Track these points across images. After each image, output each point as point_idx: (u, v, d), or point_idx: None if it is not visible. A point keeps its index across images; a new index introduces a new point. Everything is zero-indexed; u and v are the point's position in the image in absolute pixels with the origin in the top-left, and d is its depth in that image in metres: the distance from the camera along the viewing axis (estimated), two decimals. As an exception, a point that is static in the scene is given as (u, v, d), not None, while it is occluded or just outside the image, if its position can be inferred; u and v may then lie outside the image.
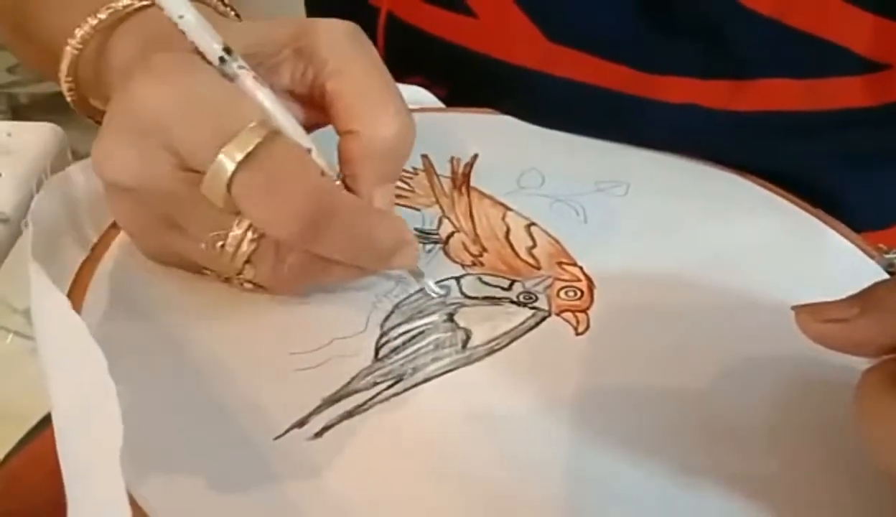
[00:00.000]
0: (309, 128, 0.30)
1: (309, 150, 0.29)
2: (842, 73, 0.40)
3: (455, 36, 0.43)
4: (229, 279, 0.30)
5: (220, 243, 0.28)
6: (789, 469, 0.27)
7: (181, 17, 0.28)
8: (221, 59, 0.28)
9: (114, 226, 0.33)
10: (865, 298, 0.25)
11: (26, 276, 0.28)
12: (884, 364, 0.25)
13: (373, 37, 0.46)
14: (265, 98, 0.28)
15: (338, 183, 0.30)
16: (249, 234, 0.28)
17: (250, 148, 0.26)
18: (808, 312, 0.26)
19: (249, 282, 0.30)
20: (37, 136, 0.50)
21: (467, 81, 0.43)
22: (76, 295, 0.30)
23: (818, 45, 0.39)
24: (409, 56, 0.40)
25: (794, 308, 0.26)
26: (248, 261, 0.29)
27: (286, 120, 0.29)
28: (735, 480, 0.27)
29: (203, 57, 0.28)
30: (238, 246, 0.28)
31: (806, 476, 0.27)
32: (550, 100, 0.42)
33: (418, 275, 0.32)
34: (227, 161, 0.26)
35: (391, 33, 0.45)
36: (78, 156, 0.36)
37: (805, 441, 0.28)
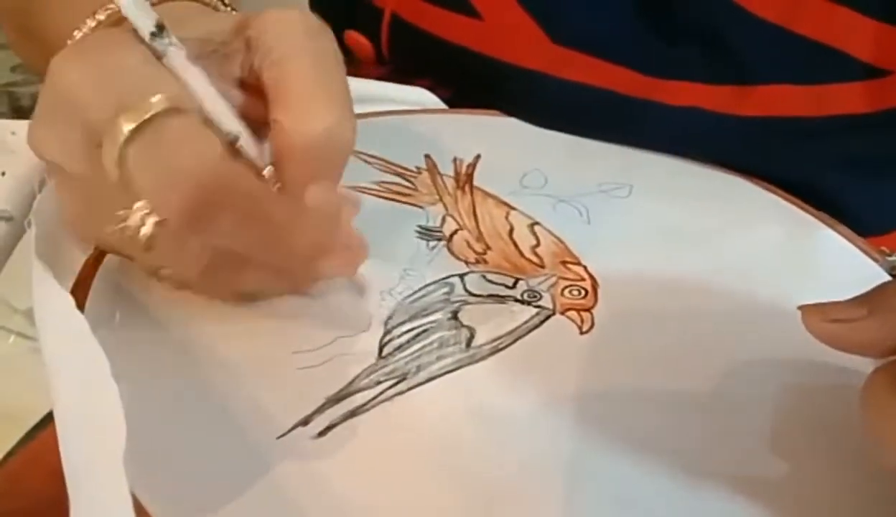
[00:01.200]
0: (261, 121, 0.29)
1: (236, 137, 0.28)
2: (844, 79, 0.40)
3: (460, 38, 0.43)
4: (156, 272, 0.29)
5: (122, 224, 0.27)
6: (792, 472, 0.27)
7: None
8: (152, 35, 0.27)
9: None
10: (873, 299, 0.25)
11: (28, 277, 0.28)
12: (891, 365, 0.24)
13: (377, 37, 0.46)
14: (192, 77, 0.27)
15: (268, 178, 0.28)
16: (149, 216, 0.26)
17: (144, 118, 0.25)
18: (815, 312, 0.26)
19: (171, 278, 0.29)
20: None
21: (472, 83, 0.43)
22: (79, 294, 0.30)
23: (821, 51, 0.39)
24: (413, 57, 0.40)
25: (800, 307, 0.26)
26: (151, 248, 0.27)
27: (213, 102, 0.28)
28: (737, 482, 0.27)
29: (137, 35, 0.27)
30: (137, 228, 0.26)
31: (809, 479, 0.27)
32: (555, 102, 0.42)
33: (359, 287, 0.31)
34: (120, 130, 0.25)
35: (395, 34, 0.45)
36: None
37: (808, 444, 0.28)
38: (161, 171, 0.26)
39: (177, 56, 0.27)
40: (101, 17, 0.31)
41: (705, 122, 0.41)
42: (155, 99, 0.26)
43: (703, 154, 0.42)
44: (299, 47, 0.28)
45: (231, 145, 0.27)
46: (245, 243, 0.27)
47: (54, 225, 0.32)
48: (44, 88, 0.27)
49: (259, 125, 0.28)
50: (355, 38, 0.46)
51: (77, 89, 0.26)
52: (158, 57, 0.27)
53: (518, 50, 0.42)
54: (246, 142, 0.28)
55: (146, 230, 0.27)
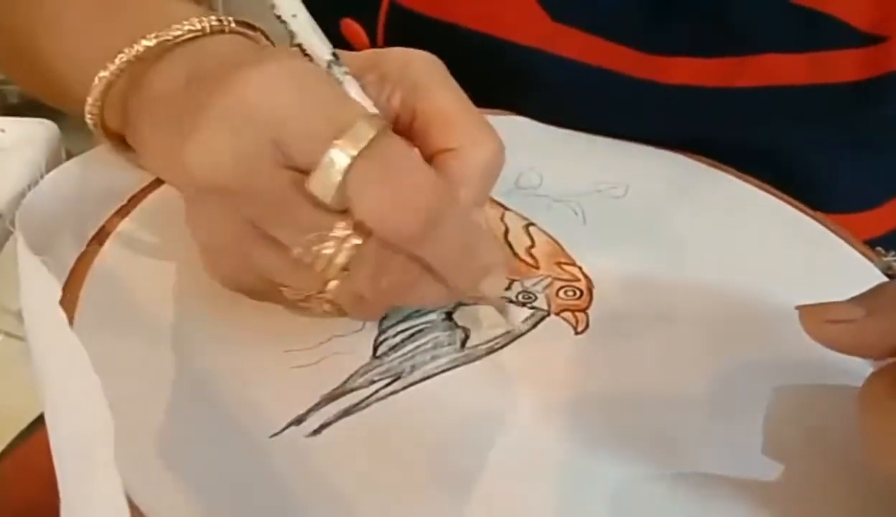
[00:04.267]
0: None
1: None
2: (840, 45, 0.40)
3: (458, 17, 0.43)
4: (308, 299, 0.29)
5: (316, 247, 0.26)
6: (788, 475, 0.27)
7: (294, 15, 0.27)
8: (329, 64, 0.27)
9: (108, 223, 0.33)
10: (871, 299, 0.25)
11: (18, 277, 0.28)
12: (889, 367, 0.24)
13: (373, 25, 0.46)
14: (370, 107, 0.28)
15: None
16: (353, 237, 0.26)
17: (367, 140, 0.25)
18: (812, 313, 0.26)
19: (330, 302, 0.28)
20: (31, 132, 0.50)
21: (470, 67, 0.43)
22: (70, 292, 0.30)
23: (818, 18, 0.39)
24: (411, 42, 0.40)
25: (798, 308, 0.26)
26: (344, 269, 0.27)
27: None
28: (733, 484, 0.26)
29: (310, 59, 0.28)
30: (338, 249, 0.26)
31: (806, 481, 0.27)
32: (554, 80, 0.42)
33: (502, 308, 0.31)
34: (342, 153, 0.25)
35: (393, 20, 0.44)
36: (71, 155, 0.36)
37: (805, 446, 0.28)
38: (393, 188, 0.26)
39: (352, 85, 0.28)
40: (149, 42, 0.30)
41: (702, 97, 0.41)
42: (372, 122, 0.26)
43: (699, 130, 0.42)
44: (441, 80, 0.30)
45: None
46: (449, 258, 0.28)
47: (45, 224, 0.31)
48: (221, 102, 0.26)
49: None
50: (351, 26, 0.46)
51: (277, 107, 0.26)
52: (338, 82, 0.28)
53: (517, 27, 0.42)
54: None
55: (347, 251, 0.26)
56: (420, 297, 0.29)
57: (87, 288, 0.30)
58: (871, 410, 0.24)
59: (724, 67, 0.41)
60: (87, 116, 0.32)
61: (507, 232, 0.35)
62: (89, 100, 0.31)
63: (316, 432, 0.26)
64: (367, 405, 0.27)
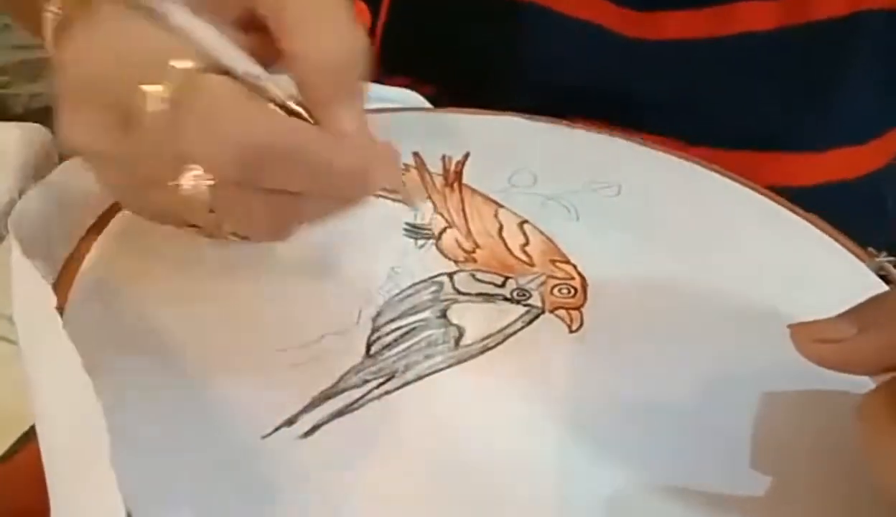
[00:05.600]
0: (264, 57, 0.29)
1: (257, 78, 0.27)
2: None
3: None
4: (214, 233, 0.29)
5: (178, 193, 0.26)
6: (783, 475, 0.27)
7: None
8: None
9: (97, 224, 0.33)
10: (862, 315, 0.24)
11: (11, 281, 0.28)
12: (886, 387, 0.24)
13: (378, 2, 0.46)
14: (199, 30, 0.27)
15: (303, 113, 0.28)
16: (203, 175, 0.26)
17: (174, 88, 0.25)
18: (804, 332, 0.25)
19: (234, 234, 0.29)
20: (23, 137, 0.50)
21: (470, 32, 0.44)
22: (60, 294, 0.29)
23: None
24: (414, 16, 0.40)
25: (789, 327, 0.26)
26: (211, 211, 0.27)
27: (225, 49, 0.27)
28: (727, 482, 0.26)
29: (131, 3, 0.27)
30: (195, 192, 0.26)
31: (794, 481, 0.27)
32: (549, 36, 0.43)
33: (405, 197, 0.30)
34: (156, 105, 0.25)
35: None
36: (63, 160, 0.36)
37: (801, 445, 0.28)
38: (206, 133, 0.25)
39: (179, 13, 0.27)
40: None
41: (690, 50, 0.42)
42: (178, 64, 0.26)
43: (686, 84, 0.43)
44: None
45: (256, 88, 0.27)
46: (298, 181, 0.27)
47: (38, 228, 0.31)
48: (61, 78, 0.27)
49: (264, 62, 0.28)
50: (356, 5, 0.46)
51: (96, 71, 0.26)
52: (161, 21, 0.27)
53: None
54: (267, 81, 0.28)
55: (204, 191, 0.26)
56: (309, 216, 0.28)
57: (76, 290, 0.30)
58: (870, 428, 0.23)
59: (710, 18, 0.42)
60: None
61: (501, 229, 0.35)
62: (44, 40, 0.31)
63: (308, 433, 0.26)
64: (361, 405, 0.27)
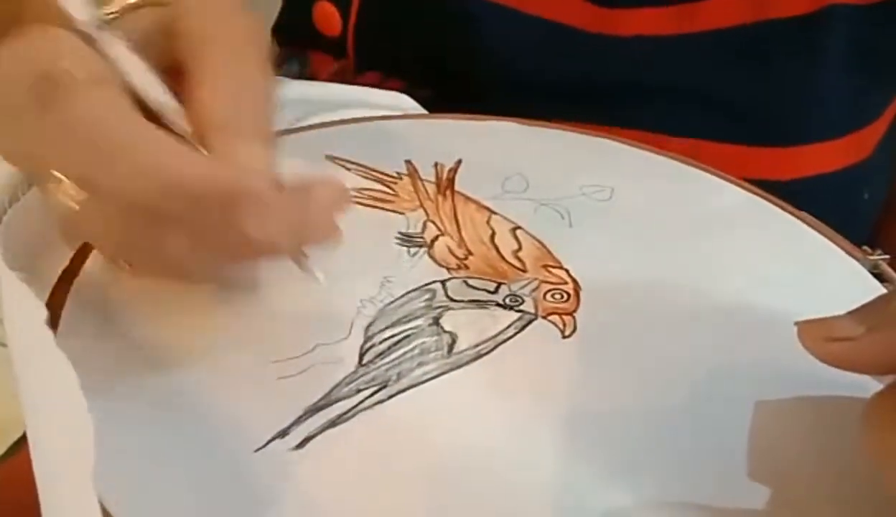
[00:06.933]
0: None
1: (171, 112, 0.27)
2: None
3: None
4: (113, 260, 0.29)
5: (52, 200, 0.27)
6: (777, 477, 0.27)
7: None
8: (98, 27, 0.28)
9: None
10: (871, 314, 0.24)
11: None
12: (893, 388, 0.24)
13: (348, 7, 0.46)
14: (125, 60, 0.27)
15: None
16: (70, 189, 0.26)
17: (53, 89, 0.25)
18: (812, 330, 0.25)
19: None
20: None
21: (444, 38, 0.44)
22: (53, 306, 0.29)
23: None
24: (379, 24, 0.41)
25: (797, 324, 0.25)
26: (76, 223, 0.27)
27: (144, 83, 0.27)
28: (724, 487, 0.26)
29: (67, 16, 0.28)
30: (63, 202, 0.26)
31: (793, 483, 0.27)
32: (514, 36, 0.43)
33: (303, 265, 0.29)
34: (34, 102, 0.25)
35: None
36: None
37: (797, 448, 0.28)
38: (68, 144, 0.25)
39: (111, 42, 0.27)
40: None
41: (657, 46, 0.43)
42: (64, 67, 0.26)
43: (657, 79, 0.44)
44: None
45: (159, 116, 0.27)
46: (148, 196, 0.25)
47: (29, 236, 0.31)
48: None
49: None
50: (325, 9, 0.47)
51: (4, 80, 0.26)
52: (88, 40, 0.27)
53: None
54: (173, 111, 0.28)
55: (64, 202, 0.26)
56: (170, 247, 0.27)
57: (69, 303, 0.30)
58: (875, 430, 0.23)
59: (675, 15, 0.42)
60: None
61: (493, 235, 0.35)
62: None
63: (301, 445, 0.26)
64: (354, 415, 0.27)
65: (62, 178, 0.26)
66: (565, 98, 0.44)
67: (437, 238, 0.35)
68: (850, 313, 0.25)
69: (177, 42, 0.28)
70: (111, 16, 0.28)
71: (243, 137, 0.27)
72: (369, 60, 0.48)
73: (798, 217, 0.38)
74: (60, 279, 0.31)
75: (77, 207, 0.26)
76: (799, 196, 0.38)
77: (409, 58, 0.47)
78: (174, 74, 0.29)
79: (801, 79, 0.45)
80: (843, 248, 0.36)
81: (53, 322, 0.28)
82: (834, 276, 0.35)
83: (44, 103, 0.25)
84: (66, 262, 0.31)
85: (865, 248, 0.36)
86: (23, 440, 0.49)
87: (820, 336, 0.25)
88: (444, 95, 0.44)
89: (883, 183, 0.51)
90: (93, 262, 0.31)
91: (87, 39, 0.27)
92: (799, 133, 0.44)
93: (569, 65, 0.43)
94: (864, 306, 0.25)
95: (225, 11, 0.29)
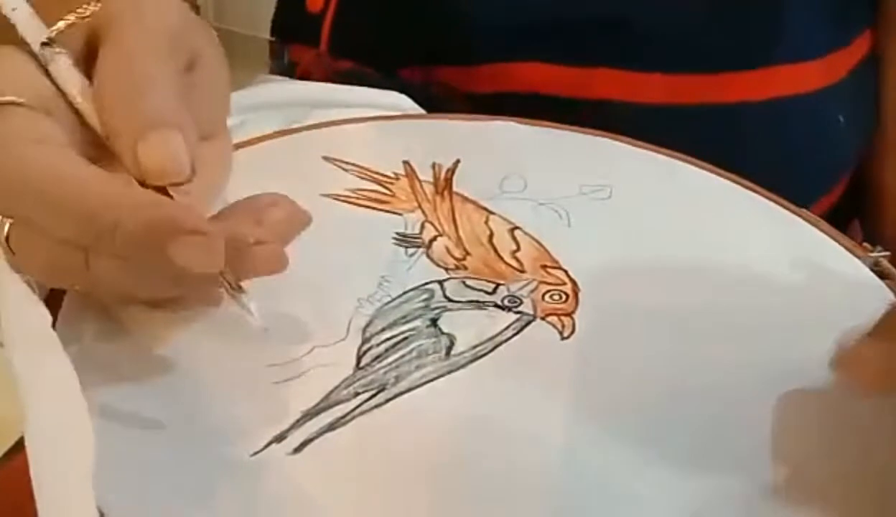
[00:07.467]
0: None
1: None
2: None
3: None
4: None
5: None
6: (776, 474, 0.27)
7: (14, 9, 0.29)
8: (42, 46, 0.28)
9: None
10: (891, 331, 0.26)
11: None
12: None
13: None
14: (74, 80, 0.28)
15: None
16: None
17: None
18: (849, 366, 0.26)
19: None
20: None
21: (423, 22, 0.45)
22: (50, 310, 0.29)
23: None
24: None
25: (834, 361, 0.26)
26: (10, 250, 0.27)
27: (84, 102, 0.28)
28: (723, 482, 0.26)
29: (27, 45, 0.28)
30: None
31: (796, 482, 0.27)
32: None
33: (237, 299, 0.27)
34: None
35: None
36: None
37: (796, 446, 0.28)
38: None
39: (57, 60, 0.28)
40: None
41: None
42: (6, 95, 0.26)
43: (626, 12, 0.45)
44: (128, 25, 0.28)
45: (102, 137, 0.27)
46: (74, 233, 0.25)
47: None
48: None
49: None
50: None
51: None
52: (44, 65, 0.28)
53: None
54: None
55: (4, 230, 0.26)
56: (97, 275, 0.26)
57: (64, 308, 0.29)
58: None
59: None
60: None
61: (491, 236, 0.35)
62: None
63: (298, 449, 0.26)
64: (351, 419, 0.27)
65: None
66: (537, 38, 0.45)
67: (434, 239, 0.35)
68: (873, 335, 0.26)
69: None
70: (54, 33, 0.29)
71: (142, 134, 0.26)
72: (343, 40, 0.48)
73: (798, 214, 0.38)
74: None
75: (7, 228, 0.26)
76: (778, 116, 0.42)
77: (388, 40, 0.48)
78: None
79: (769, 2, 0.47)
80: (843, 244, 0.36)
81: (51, 323, 0.28)
82: (834, 273, 0.35)
83: None
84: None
85: (865, 244, 0.36)
86: (21, 442, 0.49)
87: (862, 371, 0.26)
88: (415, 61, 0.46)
89: (859, 112, 0.52)
90: None
91: (36, 58, 0.28)
92: (769, 55, 0.46)
93: (538, 3, 0.44)
94: (880, 326, 0.26)
95: (129, 13, 0.28)
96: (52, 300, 0.30)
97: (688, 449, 0.27)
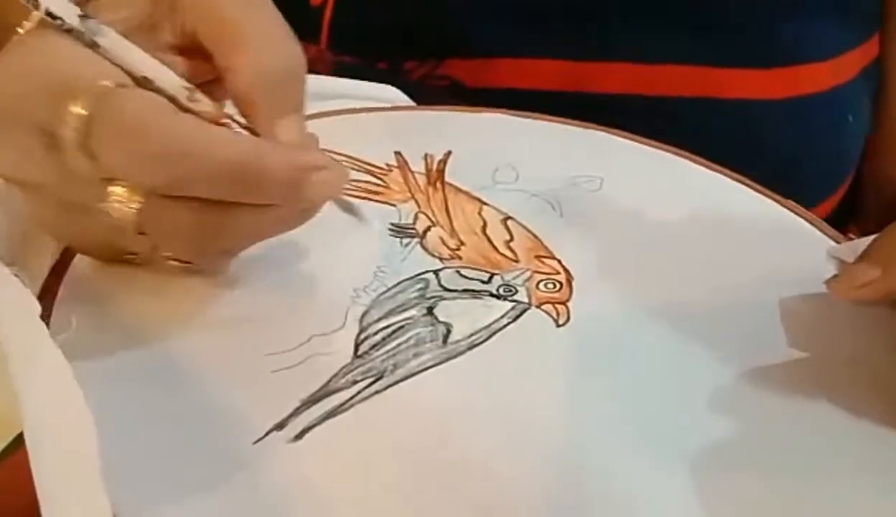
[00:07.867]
0: (203, 79, 0.29)
1: (189, 95, 0.28)
2: None
3: None
4: (152, 259, 0.29)
5: (108, 210, 0.27)
6: (776, 469, 0.27)
7: None
8: (81, 18, 0.27)
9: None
10: (881, 256, 0.29)
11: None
12: None
13: None
14: (128, 51, 0.27)
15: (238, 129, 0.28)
16: (129, 196, 0.26)
17: (96, 97, 0.25)
18: (840, 287, 0.30)
19: (172, 258, 0.29)
20: None
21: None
22: (46, 300, 0.29)
23: None
24: None
25: (827, 283, 0.30)
26: (141, 232, 0.27)
27: (155, 69, 0.27)
28: (717, 476, 0.27)
29: (62, 24, 0.27)
30: (124, 210, 0.26)
31: (792, 472, 0.27)
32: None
33: (350, 209, 0.31)
34: (76, 120, 0.25)
35: None
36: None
37: (794, 443, 0.28)
38: (126, 142, 0.25)
39: (109, 34, 0.27)
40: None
41: None
42: (100, 82, 0.25)
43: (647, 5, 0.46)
44: None
45: (185, 106, 0.28)
46: (227, 190, 0.26)
47: (11, 236, 0.31)
48: None
49: (202, 84, 0.29)
50: None
51: (14, 93, 0.26)
52: (88, 43, 0.27)
53: None
54: (199, 97, 0.28)
55: (130, 212, 0.26)
56: (242, 233, 0.28)
57: (60, 297, 0.29)
58: None
59: None
60: None
61: (485, 226, 0.35)
62: None
63: (298, 437, 0.26)
64: (350, 406, 0.27)
65: (114, 189, 0.26)
66: (546, 26, 0.45)
67: (428, 229, 0.35)
68: (865, 257, 0.29)
69: (181, 17, 0.29)
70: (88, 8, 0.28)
71: (280, 112, 0.28)
72: (345, 42, 0.48)
73: (785, 205, 0.38)
74: (51, 273, 0.30)
75: (135, 212, 0.26)
76: (795, 114, 0.44)
77: (387, 35, 0.48)
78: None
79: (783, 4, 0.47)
80: (828, 235, 0.37)
81: (45, 317, 0.28)
82: (823, 265, 0.35)
83: (92, 122, 0.25)
84: (57, 257, 0.31)
85: (851, 236, 0.37)
86: (20, 438, 0.48)
87: (849, 287, 0.30)
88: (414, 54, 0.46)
89: (866, 113, 0.53)
90: (82, 256, 0.31)
91: (82, 38, 0.27)
92: (785, 55, 0.46)
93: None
94: (875, 246, 0.29)
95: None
96: (46, 293, 0.30)
97: (680, 437, 0.28)
